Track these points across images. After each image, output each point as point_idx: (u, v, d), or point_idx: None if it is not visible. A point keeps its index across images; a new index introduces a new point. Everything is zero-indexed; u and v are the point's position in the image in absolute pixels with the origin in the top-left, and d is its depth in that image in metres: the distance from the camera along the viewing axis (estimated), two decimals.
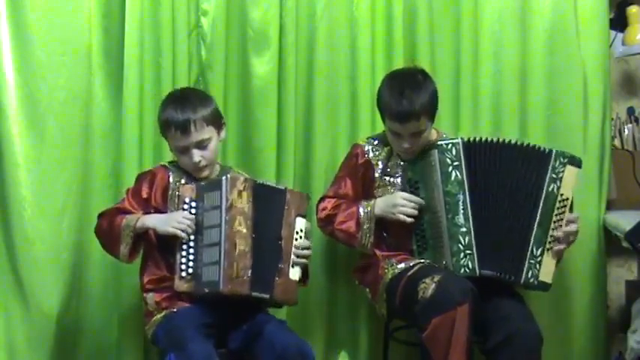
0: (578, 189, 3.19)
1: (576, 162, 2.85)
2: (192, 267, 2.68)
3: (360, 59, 3.23)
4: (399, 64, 3.19)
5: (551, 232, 2.79)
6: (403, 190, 2.87)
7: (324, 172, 3.20)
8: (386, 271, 2.85)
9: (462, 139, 2.81)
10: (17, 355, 3.11)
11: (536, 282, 2.78)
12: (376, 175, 2.93)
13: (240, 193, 2.65)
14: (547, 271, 2.80)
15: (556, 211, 2.79)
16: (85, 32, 3.12)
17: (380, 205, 2.87)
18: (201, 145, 2.77)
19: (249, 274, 2.63)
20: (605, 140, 3.27)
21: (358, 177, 2.96)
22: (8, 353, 3.10)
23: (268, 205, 2.72)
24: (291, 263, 2.74)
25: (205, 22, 3.20)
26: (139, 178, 2.86)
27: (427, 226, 2.83)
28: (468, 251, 2.75)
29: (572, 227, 2.83)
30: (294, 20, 3.19)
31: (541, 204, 2.77)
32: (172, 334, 2.62)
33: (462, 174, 2.77)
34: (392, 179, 2.92)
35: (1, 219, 3.10)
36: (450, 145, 2.78)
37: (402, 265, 2.83)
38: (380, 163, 2.94)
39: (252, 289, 2.64)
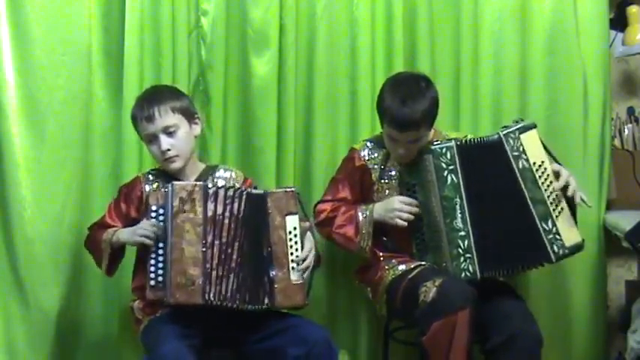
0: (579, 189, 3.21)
1: (527, 126, 2.80)
2: (161, 275, 2.59)
3: (360, 59, 3.22)
4: (399, 64, 3.19)
5: (549, 201, 2.75)
6: (400, 193, 2.86)
7: (324, 172, 3.19)
8: (387, 272, 2.85)
9: (455, 141, 2.79)
10: (17, 355, 3.10)
11: (566, 251, 2.75)
12: (373, 178, 2.93)
13: (186, 199, 2.57)
14: (570, 233, 2.75)
15: (541, 180, 2.76)
16: (85, 32, 3.12)
17: (378, 209, 2.86)
18: (168, 131, 2.72)
19: (200, 282, 2.54)
20: (605, 140, 3.26)
21: (356, 180, 2.96)
22: (8, 353, 3.10)
23: (247, 212, 2.65)
24: (290, 266, 2.67)
25: (205, 22, 3.20)
26: (120, 191, 2.85)
27: (426, 229, 2.82)
28: (468, 255, 2.74)
29: (563, 175, 2.77)
30: (294, 20, 3.18)
31: (522, 184, 2.75)
32: (148, 337, 2.63)
33: (457, 177, 2.76)
34: (389, 182, 2.91)
35: (1, 219, 3.10)
36: (444, 149, 2.76)
37: (402, 267, 2.83)
38: (376, 166, 2.93)
39: (206, 298, 2.55)
